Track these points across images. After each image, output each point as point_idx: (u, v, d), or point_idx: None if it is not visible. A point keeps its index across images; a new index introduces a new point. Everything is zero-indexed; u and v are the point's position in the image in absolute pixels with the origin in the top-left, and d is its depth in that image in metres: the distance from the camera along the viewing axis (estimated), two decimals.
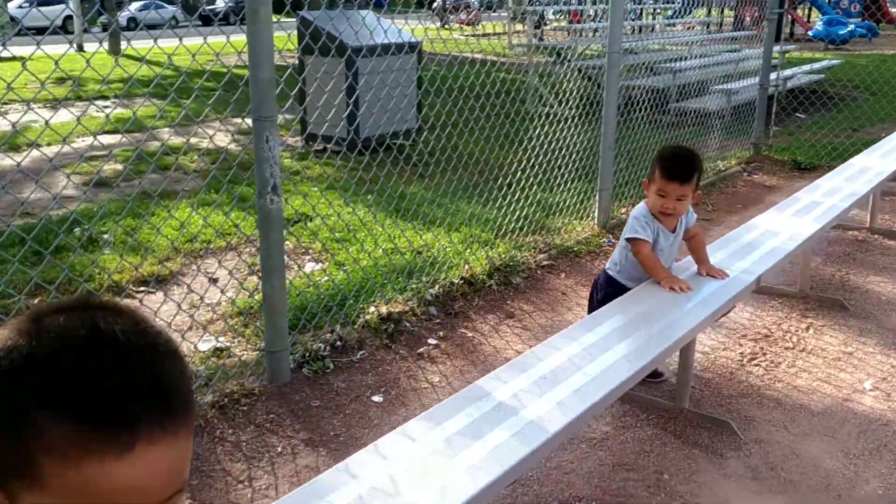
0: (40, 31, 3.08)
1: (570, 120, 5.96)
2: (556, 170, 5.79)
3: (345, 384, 3.38)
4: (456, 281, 4.34)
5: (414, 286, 4.19)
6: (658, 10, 15.67)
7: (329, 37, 6.55)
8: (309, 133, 7.66)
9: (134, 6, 23.57)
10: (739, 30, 14.87)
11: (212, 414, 3.07)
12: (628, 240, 3.10)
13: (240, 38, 3.21)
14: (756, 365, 3.59)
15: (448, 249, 4.69)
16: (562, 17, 17.29)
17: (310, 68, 7.10)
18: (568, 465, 2.85)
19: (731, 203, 6.32)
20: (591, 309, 3.25)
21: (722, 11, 18.44)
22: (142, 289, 4.29)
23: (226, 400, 3.15)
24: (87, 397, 0.71)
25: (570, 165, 5.85)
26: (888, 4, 24.97)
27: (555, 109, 7.44)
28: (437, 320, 4.00)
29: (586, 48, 12.08)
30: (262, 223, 3.10)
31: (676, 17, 16.05)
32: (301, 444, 2.95)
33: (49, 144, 7.03)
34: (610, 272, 3.25)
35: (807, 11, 25.32)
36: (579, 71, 10.23)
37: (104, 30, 17.42)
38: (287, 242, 4.96)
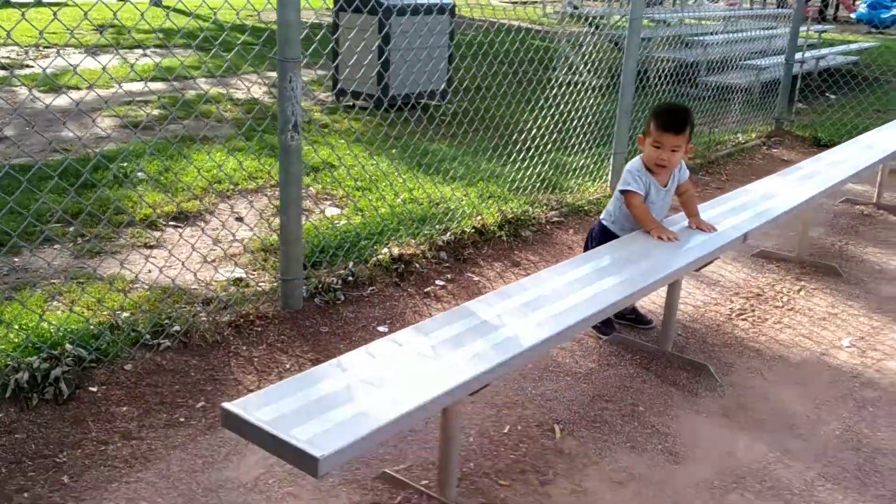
0: None
1: (597, 89, 6.11)
2: (578, 135, 5.97)
3: (353, 315, 3.63)
4: (468, 230, 4.56)
5: (427, 232, 4.41)
6: None
7: None
8: (340, 89, 7.88)
9: None
10: (782, 7, 14.72)
11: (228, 332, 3.34)
12: (621, 192, 3.30)
13: None
14: (743, 319, 3.79)
15: (464, 202, 4.91)
16: None
17: (343, 26, 7.31)
18: (552, 394, 3.08)
19: (746, 173, 6.45)
20: (587, 249, 3.46)
21: None
22: (171, 223, 4.57)
23: (241, 321, 3.42)
24: None
25: (591, 131, 6.02)
26: None
27: (584, 78, 7.59)
28: (447, 264, 4.23)
29: (621, 18, 12.14)
30: (283, 157, 3.34)
31: None
32: (308, 363, 3.21)
33: (87, 88, 7.32)
34: (604, 222, 3.46)
35: None
36: (611, 41, 10.32)
37: None
38: (311, 188, 5.22)
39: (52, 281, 3.64)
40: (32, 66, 8.38)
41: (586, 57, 8.92)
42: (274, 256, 4.08)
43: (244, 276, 3.89)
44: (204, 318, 3.37)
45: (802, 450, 2.81)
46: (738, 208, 3.68)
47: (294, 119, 3.27)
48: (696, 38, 10.26)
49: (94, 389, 2.87)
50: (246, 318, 3.44)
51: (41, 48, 9.22)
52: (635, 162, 3.32)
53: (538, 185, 5.44)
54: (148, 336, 3.16)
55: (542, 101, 6.11)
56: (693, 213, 3.40)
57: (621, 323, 3.63)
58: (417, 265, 4.12)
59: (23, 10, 3.10)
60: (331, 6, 7.97)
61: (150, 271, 3.71)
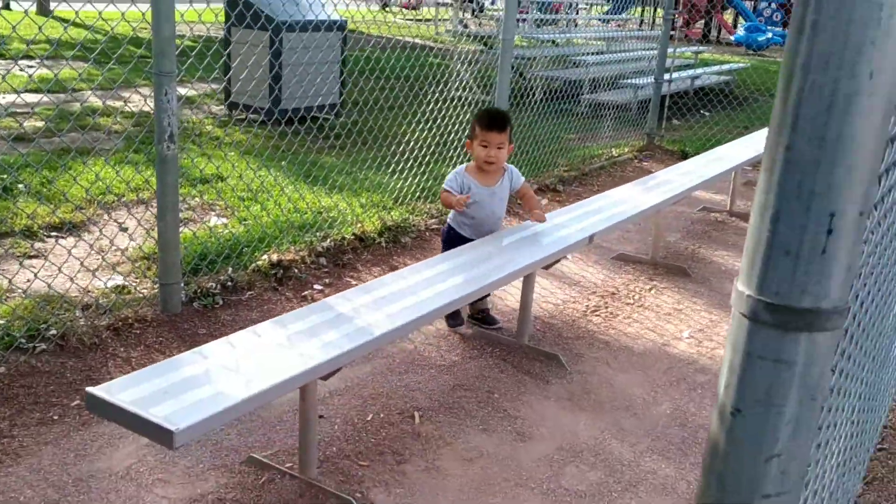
0: None
1: (481, 103, 6.43)
2: (457, 147, 6.27)
3: (231, 318, 3.79)
4: (348, 237, 4.77)
5: (307, 239, 4.61)
6: (583, 6, 16.26)
7: (255, 10, 6.90)
8: (232, 102, 7.98)
9: None
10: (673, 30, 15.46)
11: (106, 335, 3.45)
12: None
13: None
14: (597, 315, 4.13)
15: (346, 211, 5.12)
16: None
17: (236, 41, 7.43)
18: (415, 385, 3.32)
19: (616, 184, 6.83)
20: (443, 251, 3.75)
21: (654, 11, 19.15)
22: (54, 233, 4.61)
23: (120, 324, 3.54)
24: None
25: None
26: None
27: (476, 95, 7.92)
28: (326, 269, 4.43)
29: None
30: (160, 167, 3.49)
31: (599, 15, 16.66)
32: None
33: None
34: (449, 222, 3.78)
35: (733, 18, 26.34)
36: None
37: None
38: (197, 198, 5.34)
39: None
40: None
41: (475, 73, 9.30)
42: (156, 265, 4.19)
43: (125, 283, 3.99)
44: (82, 322, 3.47)
45: (636, 427, 3.14)
46: (591, 213, 4.02)
47: (170, 130, 3.43)
48: (579, 57, 10.79)
49: None
50: (125, 321, 3.56)
51: None
52: (459, 167, 3.69)
53: (419, 194, 5.70)
54: (23, 340, 3.25)
55: (427, 115, 6.40)
56: (534, 207, 3.75)
57: (472, 322, 3.89)
58: (296, 270, 4.31)
59: None
60: (223, 21, 8.07)
61: (28, 280, 3.78)
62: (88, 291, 3.77)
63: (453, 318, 3.79)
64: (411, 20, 21.41)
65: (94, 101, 7.79)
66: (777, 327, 0.89)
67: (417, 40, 13.05)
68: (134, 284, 4.00)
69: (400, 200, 5.55)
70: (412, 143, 6.11)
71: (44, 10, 14.34)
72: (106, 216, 4.86)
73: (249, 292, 4.04)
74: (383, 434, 2.96)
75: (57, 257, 4.06)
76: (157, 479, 2.60)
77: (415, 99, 6.50)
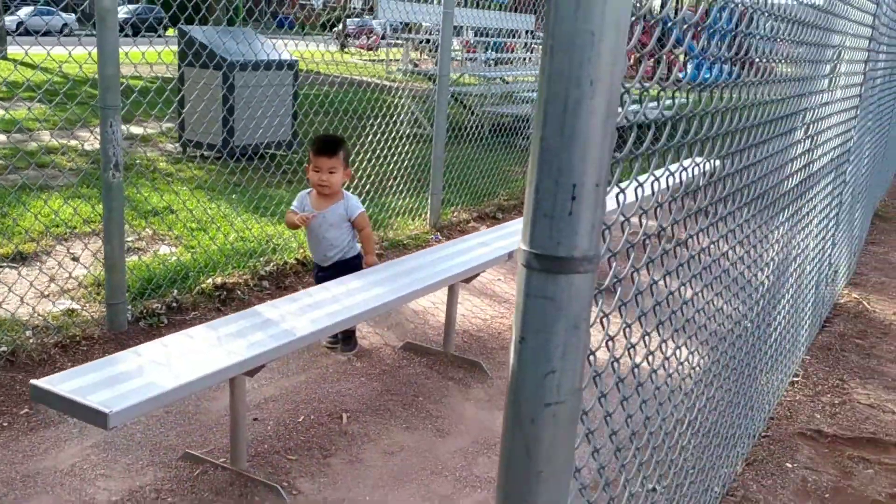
0: None
1: (428, 139, 6.77)
2: (404, 179, 6.60)
3: None
4: (290, 261, 5.04)
5: (250, 263, 4.87)
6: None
7: (208, 51, 7.21)
8: (186, 140, 8.23)
9: (23, 12, 23.38)
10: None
11: (55, 351, 3.68)
12: None
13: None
14: None
15: (290, 239, 5.39)
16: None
17: (189, 80, 7.72)
18: (346, 391, 3.58)
19: None
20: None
21: None
22: (5, 263, 4.82)
23: (68, 341, 3.76)
24: None
25: (415, 176, 6.68)
26: None
27: (426, 131, 8.26)
28: (268, 291, 4.69)
29: (459, 76, 13.09)
30: (106, 193, 3.75)
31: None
32: None
33: None
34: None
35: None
36: (454, 97, 11.15)
37: None
38: (147, 229, 5.57)
39: None
40: None
41: (422, 109, 9.68)
42: (104, 289, 4.41)
43: (75, 306, 4.21)
44: (31, 341, 3.69)
45: None
46: (514, 233, 4.34)
47: (115, 159, 3.69)
48: (526, 94, 11.24)
49: None
50: (73, 338, 3.79)
51: None
52: (303, 191, 3.86)
53: None
54: None
55: (377, 150, 6.72)
56: (368, 252, 3.86)
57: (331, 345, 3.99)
58: (239, 292, 4.56)
59: None
60: (174, 61, 8.35)
61: None
62: (38, 314, 3.99)
63: (347, 343, 3.92)
64: (367, 60, 21.94)
65: (51, 139, 8.01)
66: (543, 272, 1.19)
67: (370, 78, 13.47)
68: (82, 308, 4.22)
69: None
70: (361, 175, 6.42)
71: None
72: (59, 246, 5.07)
73: (194, 312, 4.28)
74: (312, 433, 3.21)
75: (7, 284, 4.27)
76: (99, 475, 2.83)
77: (363, 132, 6.84)
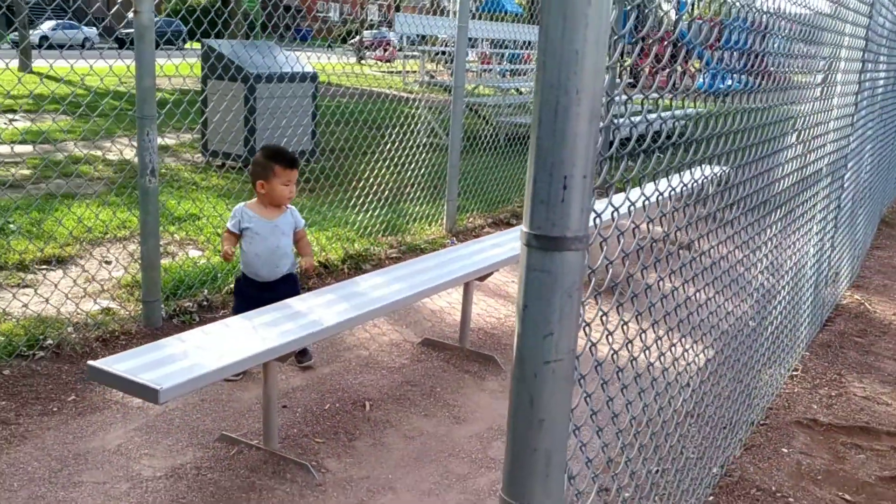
0: None
1: (444, 148, 7.02)
2: (421, 186, 6.85)
3: None
4: (315, 263, 5.29)
5: None
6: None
7: (233, 64, 7.50)
8: (211, 150, 8.52)
9: (46, 26, 23.94)
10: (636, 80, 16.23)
11: (96, 345, 3.94)
12: None
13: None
14: None
15: (313, 243, 5.64)
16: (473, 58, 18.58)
17: (212, 92, 8.01)
18: (368, 382, 3.82)
19: None
20: (234, 308, 3.81)
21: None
22: (43, 267, 5.09)
23: (108, 336, 4.02)
24: None
25: (431, 183, 6.93)
26: None
27: (442, 140, 8.51)
28: None
29: (475, 87, 13.38)
30: (143, 197, 4.01)
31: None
32: None
33: None
34: (242, 270, 3.76)
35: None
36: (469, 108, 11.41)
37: (15, 46, 17.89)
38: (177, 235, 5.84)
39: None
40: None
41: (438, 119, 9.94)
42: (139, 290, 4.67)
43: (113, 305, 4.48)
44: (74, 336, 3.95)
45: None
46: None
47: (151, 165, 3.96)
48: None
49: None
50: (112, 334, 4.05)
51: None
52: (238, 206, 3.72)
53: (383, 228, 6.25)
54: (24, 348, 3.72)
55: (395, 158, 6.97)
56: (307, 254, 3.83)
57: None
58: None
59: None
60: (198, 74, 8.64)
61: (24, 306, 4.24)
62: (80, 311, 4.25)
63: (302, 355, 3.91)
64: (384, 72, 22.27)
65: (79, 150, 8.32)
66: (541, 249, 1.42)
67: (387, 90, 13.76)
68: (120, 306, 4.48)
69: (363, 233, 6.09)
70: (380, 183, 6.68)
71: (24, 66, 14.92)
72: (95, 250, 5.34)
73: (223, 311, 4.53)
74: (338, 419, 3.44)
75: (49, 286, 4.53)
76: (143, 454, 3.07)
77: (381, 141, 7.10)
